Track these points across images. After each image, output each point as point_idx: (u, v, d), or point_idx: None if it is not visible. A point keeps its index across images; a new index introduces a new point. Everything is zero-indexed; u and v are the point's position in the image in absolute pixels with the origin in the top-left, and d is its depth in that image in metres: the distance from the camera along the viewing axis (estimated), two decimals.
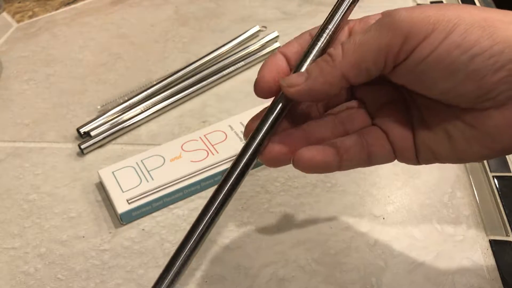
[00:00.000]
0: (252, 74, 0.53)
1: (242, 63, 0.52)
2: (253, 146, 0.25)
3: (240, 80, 0.52)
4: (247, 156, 0.25)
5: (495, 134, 0.23)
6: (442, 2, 0.61)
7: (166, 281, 0.25)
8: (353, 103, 0.28)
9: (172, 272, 0.25)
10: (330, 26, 0.25)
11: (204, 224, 0.25)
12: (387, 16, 0.22)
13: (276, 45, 0.54)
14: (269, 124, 0.25)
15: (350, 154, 0.25)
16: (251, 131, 0.26)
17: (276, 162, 0.26)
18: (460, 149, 0.24)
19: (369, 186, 0.39)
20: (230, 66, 0.52)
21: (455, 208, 0.36)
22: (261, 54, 0.53)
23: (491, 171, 0.39)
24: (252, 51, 0.54)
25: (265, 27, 0.58)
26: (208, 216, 0.25)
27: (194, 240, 0.25)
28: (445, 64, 0.22)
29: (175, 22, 0.62)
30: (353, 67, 0.23)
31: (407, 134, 0.26)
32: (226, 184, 0.25)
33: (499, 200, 0.36)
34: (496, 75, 0.21)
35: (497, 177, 0.38)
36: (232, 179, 0.25)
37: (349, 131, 0.27)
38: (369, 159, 0.26)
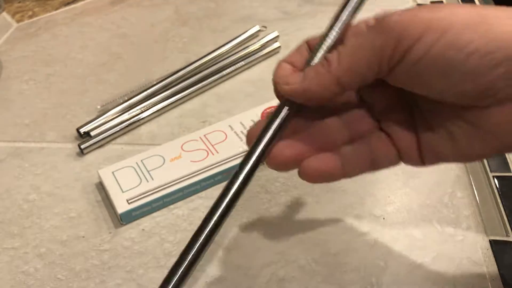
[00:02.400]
0: (252, 74, 0.53)
1: (242, 63, 0.52)
2: (259, 150, 0.25)
3: (240, 80, 0.52)
4: (253, 159, 0.25)
5: (497, 132, 0.23)
6: (442, 2, 0.61)
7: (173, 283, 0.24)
8: (358, 106, 0.28)
9: (177, 275, 0.25)
10: (337, 24, 0.25)
11: (209, 229, 0.25)
12: (380, 20, 0.22)
13: (276, 45, 0.54)
14: (276, 127, 0.25)
15: (353, 163, 0.26)
16: (254, 137, 0.26)
17: (284, 166, 0.26)
18: (463, 148, 0.24)
19: (369, 186, 0.39)
20: (230, 66, 0.52)
21: (455, 208, 0.36)
22: (261, 54, 0.53)
23: (491, 171, 0.39)
24: (252, 51, 0.54)
25: (265, 27, 0.58)
26: (212, 222, 0.25)
27: (200, 243, 0.25)
28: (440, 65, 0.22)
29: (175, 22, 0.62)
30: (347, 72, 0.23)
31: (411, 136, 0.26)
32: (233, 186, 0.25)
33: (499, 200, 0.36)
34: (493, 73, 0.21)
35: (497, 177, 0.38)
36: (241, 179, 0.25)
37: (354, 135, 0.27)
38: (373, 165, 0.26)
